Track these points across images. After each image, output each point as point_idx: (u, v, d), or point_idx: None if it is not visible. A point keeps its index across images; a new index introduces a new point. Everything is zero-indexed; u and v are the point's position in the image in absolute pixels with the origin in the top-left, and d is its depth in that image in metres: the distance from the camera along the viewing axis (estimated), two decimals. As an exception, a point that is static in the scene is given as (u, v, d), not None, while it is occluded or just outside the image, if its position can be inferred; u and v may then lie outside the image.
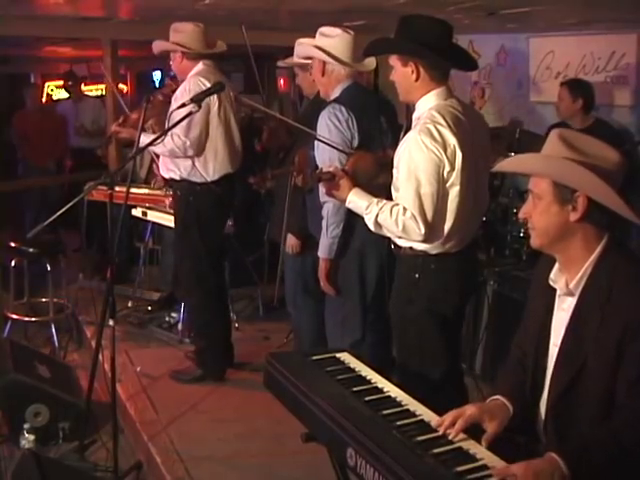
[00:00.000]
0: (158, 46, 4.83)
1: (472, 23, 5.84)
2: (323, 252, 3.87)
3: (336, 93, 3.93)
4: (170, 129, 4.15)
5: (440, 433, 2.29)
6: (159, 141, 4.14)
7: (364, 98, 3.98)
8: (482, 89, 6.65)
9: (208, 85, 4.54)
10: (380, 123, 3.93)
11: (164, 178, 5.21)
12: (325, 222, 3.79)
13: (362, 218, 3.32)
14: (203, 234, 4.79)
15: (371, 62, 4.01)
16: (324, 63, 3.92)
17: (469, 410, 2.32)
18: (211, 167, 4.74)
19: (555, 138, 2.29)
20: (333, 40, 3.92)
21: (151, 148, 4.77)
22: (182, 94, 4.59)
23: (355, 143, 3.75)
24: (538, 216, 2.30)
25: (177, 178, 4.83)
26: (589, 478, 2.06)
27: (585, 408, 2.23)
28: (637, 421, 2.10)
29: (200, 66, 4.75)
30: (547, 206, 2.26)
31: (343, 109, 3.77)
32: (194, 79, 4.66)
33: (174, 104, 4.59)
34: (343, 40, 3.92)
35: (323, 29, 3.99)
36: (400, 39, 3.13)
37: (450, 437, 2.26)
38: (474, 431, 2.30)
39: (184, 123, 4.40)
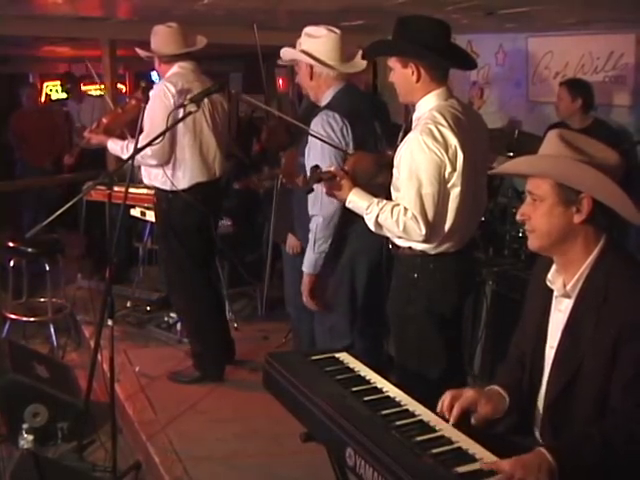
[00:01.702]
0: (139, 53, 4.83)
1: (471, 23, 5.84)
2: (308, 267, 3.73)
3: (327, 97, 3.81)
4: (168, 130, 4.15)
5: (439, 434, 2.29)
6: (158, 141, 4.13)
7: (357, 102, 3.85)
8: (481, 89, 6.65)
9: (173, 90, 4.53)
10: (374, 128, 3.83)
11: None
12: (313, 236, 3.67)
13: (353, 227, 3.28)
14: (181, 239, 4.76)
15: (360, 63, 3.84)
16: (311, 67, 3.79)
17: (467, 392, 2.34)
18: (180, 175, 4.68)
19: (555, 139, 2.28)
20: (319, 41, 3.77)
21: (118, 154, 4.76)
22: (151, 100, 4.57)
23: (350, 151, 3.66)
24: (540, 218, 2.27)
25: (148, 184, 4.86)
26: (577, 475, 2.06)
27: (581, 409, 2.24)
28: (629, 424, 2.10)
29: (174, 69, 4.70)
30: (550, 208, 2.24)
31: (337, 117, 3.66)
32: (160, 84, 4.65)
33: (147, 108, 4.58)
34: (329, 41, 3.77)
35: (308, 29, 3.83)
36: (399, 40, 3.12)
37: (450, 421, 2.30)
38: (472, 431, 2.30)
39: (147, 131, 4.38)
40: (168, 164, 4.65)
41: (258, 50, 5.07)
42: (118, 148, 4.74)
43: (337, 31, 3.81)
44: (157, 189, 4.81)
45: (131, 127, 4.93)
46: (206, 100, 4.42)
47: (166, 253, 4.95)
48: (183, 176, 4.69)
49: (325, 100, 3.83)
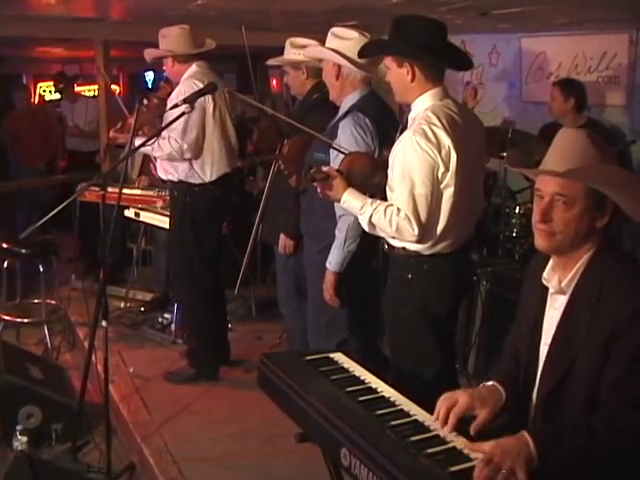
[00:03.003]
0: (149, 54, 4.84)
1: (464, 23, 5.84)
2: (335, 266, 3.71)
3: (352, 99, 3.79)
4: (162, 130, 4.15)
5: (434, 433, 2.29)
6: (150, 143, 4.13)
7: (381, 109, 3.87)
8: (474, 89, 6.62)
9: (202, 87, 4.55)
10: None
11: (161, 179, 5.22)
12: (343, 235, 3.67)
13: None
14: (198, 235, 4.80)
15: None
16: (339, 66, 3.76)
17: (461, 399, 2.31)
18: (208, 168, 4.76)
19: (586, 140, 2.23)
20: (350, 43, 3.72)
21: (149, 152, 4.79)
22: (177, 97, 4.57)
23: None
24: (568, 221, 2.21)
25: (175, 180, 4.86)
26: (556, 465, 2.06)
27: (573, 406, 2.24)
28: (616, 420, 2.10)
29: (194, 68, 4.76)
30: (581, 212, 2.20)
31: (367, 121, 3.67)
32: (188, 81, 4.66)
33: (169, 107, 4.59)
34: (361, 44, 3.64)
35: (336, 30, 3.80)
36: (394, 40, 3.12)
37: (445, 433, 2.27)
38: (468, 430, 2.30)
39: (180, 127, 4.42)
40: (198, 157, 4.72)
41: (247, 51, 5.08)
42: (141, 143, 4.75)
43: (367, 35, 3.77)
44: (180, 183, 4.82)
45: (153, 125, 4.98)
46: (226, 94, 4.63)
47: (180, 249, 4.95)
48: (211, 168, 4.77)
49: (349, 102, 3.81)
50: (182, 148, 4.60)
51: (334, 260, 3.72)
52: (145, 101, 4.93)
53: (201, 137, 4.69)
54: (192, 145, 4.64)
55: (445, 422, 2.30)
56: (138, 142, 4.20)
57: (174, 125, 4.30)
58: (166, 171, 4.88)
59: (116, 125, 5.35)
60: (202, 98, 4.38)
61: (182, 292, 5.11)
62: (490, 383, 2.43)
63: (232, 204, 5.52)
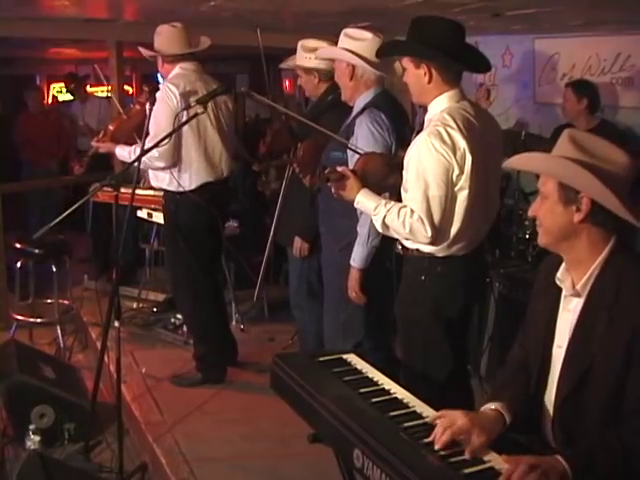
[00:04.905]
0: (143, 53, 4.83)
1: (477, 24, 5.83)
2: (359, 262, 3.71)
3: (367, 97, 3.81)
4: (175, 131, 4.15)
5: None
6: (164, 143, 4.13)
7: (396, 107, 3.89)
8: (487, 90, 6.62)
9: (176, 91, 4.53)
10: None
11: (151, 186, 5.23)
12: (365, 231, 3.66)
13: None
14: (188, 241, 4.76)
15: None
16: (353, 67, 3.77)
17: (460, 421, 2.25)
18: (186, 177, 4.68)
19: (565, 138, 2.30)
20: (364, 44, 3.73)
21: (124, 158, 4.76)
22: (158, 101, 4.57)
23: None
24: (544, 215, 2.31)
25: (156, 186, 4.87)
26: None
27: (592, 409, 2.23)
28: None
29: (176, 70, 4.71)
30: (552, 206, 2.28)
31: (383, 116, 3.69)
32: (164, 85, 4.65)
33: (153, 111, 4.56)
34: (375, 44, 3.68)
35: (349, 31, 3.81)
36: (412, 41, 3.12)
37: (436, 448, 2.20)
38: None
39: (152, 133, 4.38)
40: (175, 166, 4.65)
41: (261, 53, 5.07)
42: (125, 154, 4.74)
43: (380, 35, 3.78)
44: (165, 191, 4.82)
45: (138, 132, 4.93)
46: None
47: (173, 254, 4.95)
48: (190, 177, 4.69)
49: (363, 100, 3.82)
50: (153, 155, 4.42)
51: (358, 257, 3.72)
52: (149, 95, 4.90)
53: (176, 146, 4.57)
54: (163, 153, 4.52)
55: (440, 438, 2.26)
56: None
57: (152, 132, 4.32)
58: (151, 177, 4.89)
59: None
60: (176, 106, 4.40)
61: (184, 299, 5.07)
62: (493, 407, 2.36)
63: (242, 205, 5.52)
